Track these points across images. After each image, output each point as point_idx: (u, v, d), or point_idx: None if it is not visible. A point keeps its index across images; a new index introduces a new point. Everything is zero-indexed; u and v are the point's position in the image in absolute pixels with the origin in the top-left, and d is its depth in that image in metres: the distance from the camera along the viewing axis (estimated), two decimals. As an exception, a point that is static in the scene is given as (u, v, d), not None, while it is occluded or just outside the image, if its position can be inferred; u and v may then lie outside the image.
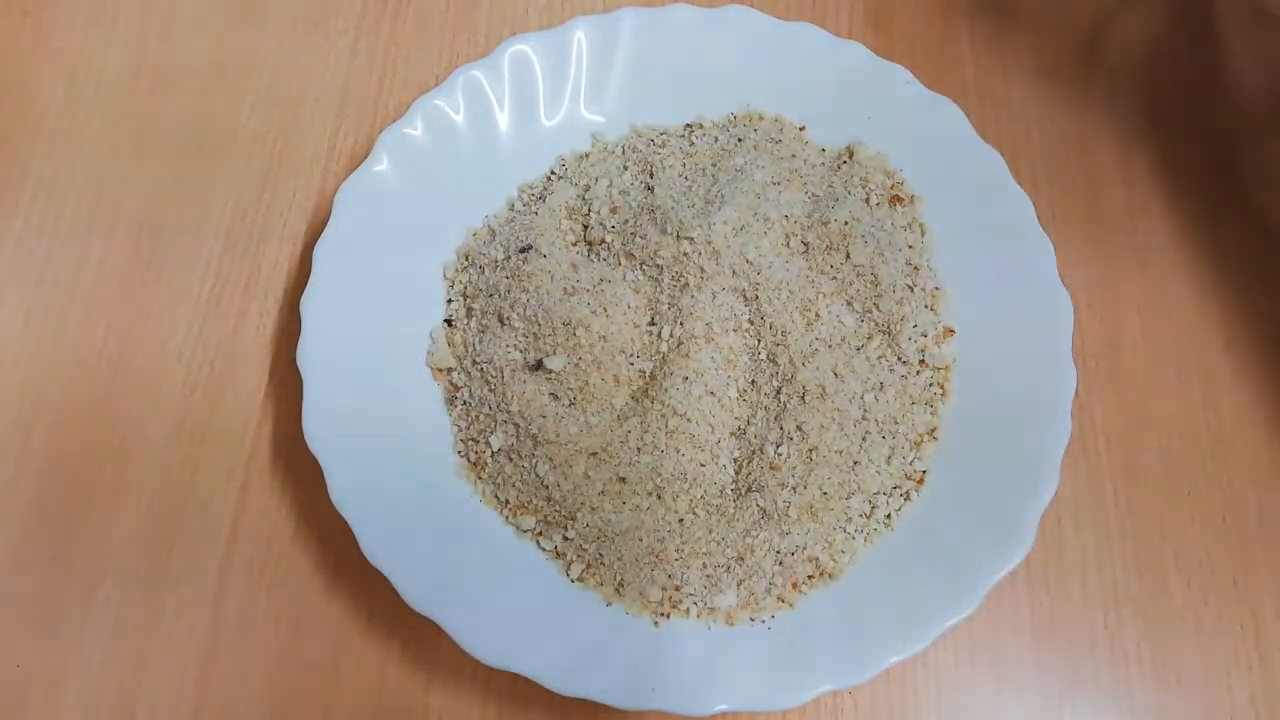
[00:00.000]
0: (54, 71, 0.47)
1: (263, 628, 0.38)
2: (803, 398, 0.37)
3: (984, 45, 0.48)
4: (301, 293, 0.38)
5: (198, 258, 0.43)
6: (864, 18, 0.48)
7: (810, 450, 0.36)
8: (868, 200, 0.41)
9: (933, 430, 0.38)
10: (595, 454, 0.37)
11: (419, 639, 0.37)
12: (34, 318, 0.42)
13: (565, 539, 0.37)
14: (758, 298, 0.38)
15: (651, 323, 0.39)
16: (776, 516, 0.36)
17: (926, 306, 0.40)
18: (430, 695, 0.37)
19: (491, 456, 0.38)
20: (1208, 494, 0.40)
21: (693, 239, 0.38)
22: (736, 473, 0.37)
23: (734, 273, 0.38)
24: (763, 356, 0.38)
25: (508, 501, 0.37)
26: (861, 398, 0.37)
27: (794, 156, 0.42)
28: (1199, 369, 0.42)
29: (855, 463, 0.37)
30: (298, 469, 0.40)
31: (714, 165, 0.41)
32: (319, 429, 0.36)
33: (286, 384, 0.41)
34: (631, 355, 0.38)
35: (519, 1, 0.49)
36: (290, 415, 0.40)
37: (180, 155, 0.45)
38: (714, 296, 0.38)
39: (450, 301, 0.41)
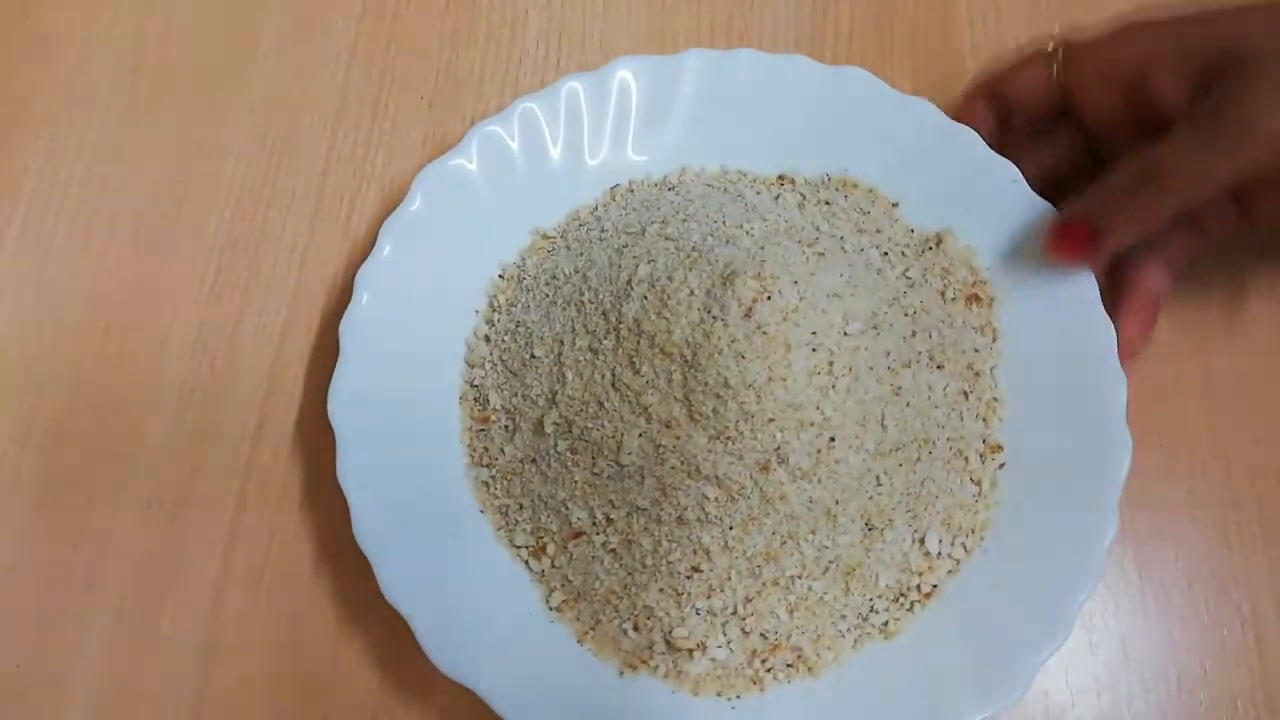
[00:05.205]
0: (54, 71, 0.47)
1: (263, 628, 0.38)
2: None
3: (984, 46, 0.48)
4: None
5: (197, 257, 0.43)
6: (865, 18, 0.48)
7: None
8: (943, 294, 0.39)
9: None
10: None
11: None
12: (34, 318, 0.42)
13: (553, 566, 0.36)
14: None
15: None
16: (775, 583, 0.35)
17: (978, 417, 0.38)
18: (431, 695, 0.37)
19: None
20: (1208, 493, 0.40)
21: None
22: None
23: None
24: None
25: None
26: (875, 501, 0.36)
27: (878, 232, 0.40)
28: (1199, 367, 0.42)
29: (860, 566, 0.36)
30: (297, 469, 0.40)
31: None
32: (352, 468, 0.36)
33: (286, 384, 0.41)
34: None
35: (519, 2, 0.49)
36: (290, 415, 0.40)
37: (180, 155, 0.45)
38: None
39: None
